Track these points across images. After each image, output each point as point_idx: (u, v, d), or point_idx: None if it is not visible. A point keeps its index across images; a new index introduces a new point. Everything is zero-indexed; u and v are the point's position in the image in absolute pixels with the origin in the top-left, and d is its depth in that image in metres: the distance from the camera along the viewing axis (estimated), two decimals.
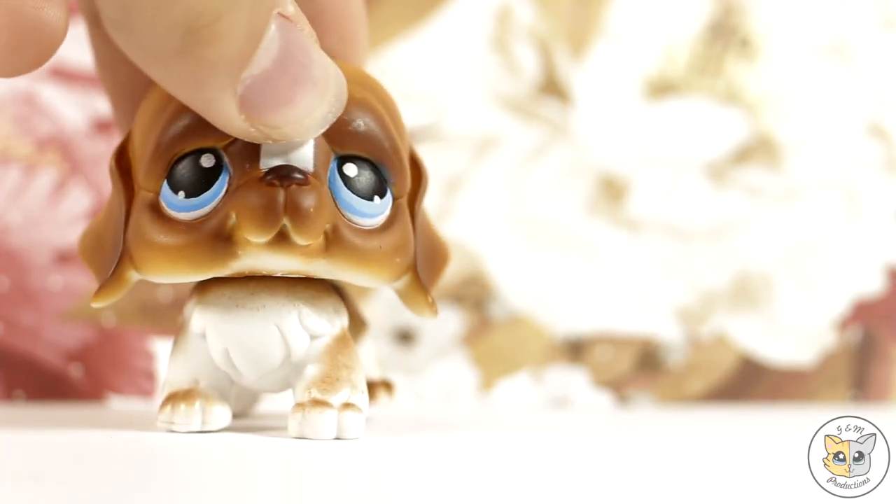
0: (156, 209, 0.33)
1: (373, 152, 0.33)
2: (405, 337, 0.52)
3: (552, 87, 0.53)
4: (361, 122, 0.33)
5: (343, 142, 0.33)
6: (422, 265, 0.35)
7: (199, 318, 0.34)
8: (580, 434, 0.37)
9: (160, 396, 0.34)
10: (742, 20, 0.53)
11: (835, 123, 0.53)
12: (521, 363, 0.52)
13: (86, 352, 0.50)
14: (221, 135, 0.32)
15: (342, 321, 0.34)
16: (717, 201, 0.53)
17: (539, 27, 0.52)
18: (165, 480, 0.28)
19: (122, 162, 0.34)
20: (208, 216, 0.32)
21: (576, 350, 0.52)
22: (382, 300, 0.52)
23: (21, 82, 0.50)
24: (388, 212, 0.34)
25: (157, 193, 0.33)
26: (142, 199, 0.33)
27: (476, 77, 0.52)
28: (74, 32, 0.50)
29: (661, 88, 0.53)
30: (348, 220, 0.33)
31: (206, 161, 0.32)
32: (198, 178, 0.32)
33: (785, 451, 0.35)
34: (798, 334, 0.53)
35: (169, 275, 0.33)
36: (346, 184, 0.33)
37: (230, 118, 0.31)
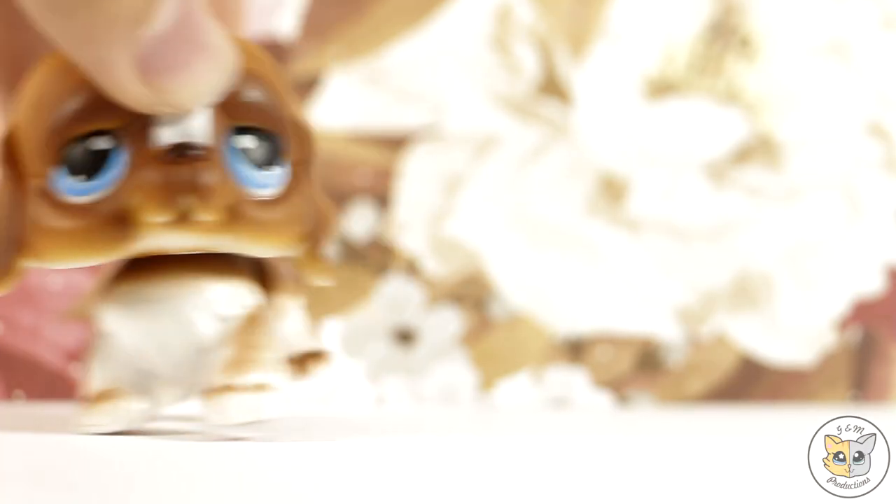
0: (49, 195, 0.32)
1: (267, 122, 0.33)
2: (405, 337, 0.52)
3: (552, 87, 0.53)
4: (255, 93, 0.33)
5: (238, 113, 0.33)
6: (314, 230, 0.35)
7: (107, 316, 0.33)
8: (580, 434, 0.37)
9: (81, 396, 0.34)
10: (742, 20, 0.53)
11: (835, 123, 0.53)
12: (521, 363, 0.52)
13: (86, 352, 0.50)
14: (115, 115, 0.32)
15: (253, 300, 0.34)
16: (717, 201, 0.53)
17: (539, 27, 0.52)
18: (166, 481, 0.28)
19: (9, 148, 0.34)
20: (106, 198, 0.32)
21: (576, 350, 0.52)
22: (382, 300, 0.52)
23: None
24: (284, 180, 0.34)
25: (51, 178, 0.32)
26: (33, 185, 0.32)
27: (476, 77, 0.52)
28: None
29: (661, 88, 0.53)
30: (247, 192, 0.33)
31: (101, 143, 0.32)
32: (93, 159, 0.32)
33: (785, 451, 0.35)
34: (798, 334, 0.53)
35: (66, 259, 0.32)
36: (242, 156, 0.33)
37: (124, 80, 0.30)
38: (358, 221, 0.52)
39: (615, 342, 0.53)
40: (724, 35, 0.53)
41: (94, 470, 0.29)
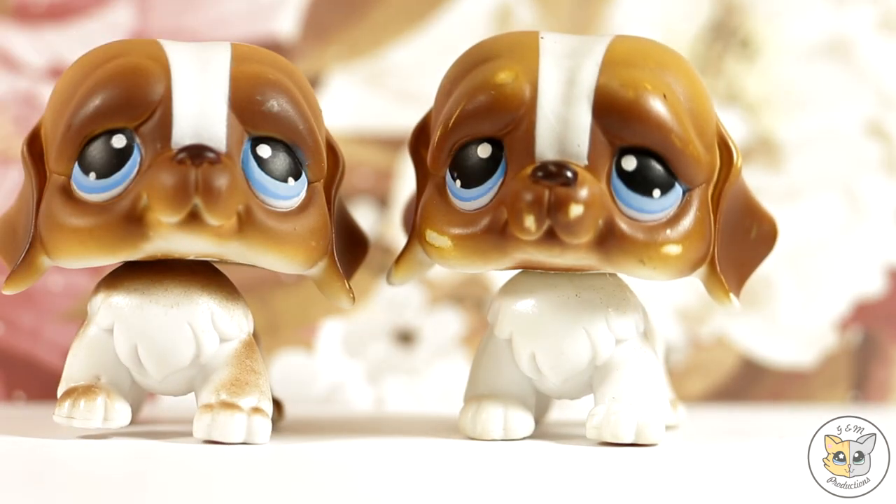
0: (67, 192, 0.33)
1: (287, 134, 0.33)
2: (405, 337, 0.52)
3: None
4: (276, 104, 0.33)
5: (256, 122, 0.33)
6: (340, 252, 0.35)
7: (108, 313, 0.33)
8: (580, 435, 0.37)
9: (60, 391, 0.34)
10: (742, 20, 0.53)
11: (835, 123, 0.53)
12: None
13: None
14: (132, 115, 0.32)
15: (250, 326, 0.34)
16: None
17: (539, 27, 0.52)
18: (166, 482, 0.28)
19: (35, 147, 0.34)
20: (119, 197, 0.32)
21: None
22: (383, 300, 0.52)
23: (21, 82, 0.50)
24: (303, 194, 0.33)
25: (69, 176, 0.33)
26: (53, 182, 0.33)
27: None
28: (74, 32, 0.50)
29: None
30: (262, 201, 0.33)
31: (118, 142, 0.32)
32: (109, 158, 0.32)
33: (785, 451, 0.35)
34: (798, 335, 0.53)
35: (80, 258, 0.33)
36: (259, 165, 0.33)
37: None
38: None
39: None
40: (725, 36, 0.53)
41: (94, 471, 0.29)
